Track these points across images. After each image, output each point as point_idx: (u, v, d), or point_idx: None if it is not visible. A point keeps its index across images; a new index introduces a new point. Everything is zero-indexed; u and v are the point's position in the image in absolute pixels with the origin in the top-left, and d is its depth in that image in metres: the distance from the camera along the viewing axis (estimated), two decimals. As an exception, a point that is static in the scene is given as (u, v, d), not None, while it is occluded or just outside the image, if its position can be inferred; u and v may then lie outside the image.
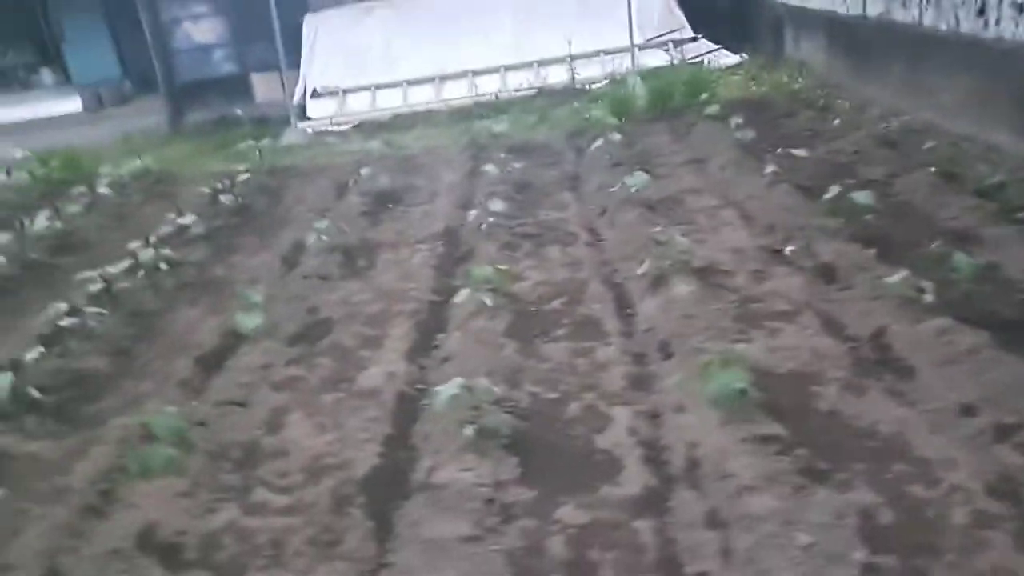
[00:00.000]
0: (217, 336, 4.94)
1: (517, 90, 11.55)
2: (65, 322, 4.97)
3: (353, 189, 7.92)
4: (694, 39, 12.00)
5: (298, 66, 12.85)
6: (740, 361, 3.43)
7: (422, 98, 11.92)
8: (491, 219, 6.09)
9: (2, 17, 22.55)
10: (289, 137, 10.87)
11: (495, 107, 11.17)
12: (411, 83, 12.08)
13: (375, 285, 5.59)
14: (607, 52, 11.78)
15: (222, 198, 7.73)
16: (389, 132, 10.96)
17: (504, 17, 12.20)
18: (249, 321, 4.74)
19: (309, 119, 11.82)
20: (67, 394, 4.54)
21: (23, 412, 4.28)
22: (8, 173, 9.40)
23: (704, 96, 9.18)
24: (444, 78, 12.07)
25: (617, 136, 7.88)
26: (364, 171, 7.93)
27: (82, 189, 8.53)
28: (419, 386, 4.15)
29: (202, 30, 13.53)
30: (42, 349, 4.63)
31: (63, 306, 5.06)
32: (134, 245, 6.38)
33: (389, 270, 5.88)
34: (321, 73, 12.18)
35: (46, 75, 22.36)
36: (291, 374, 4.42)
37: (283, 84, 12.84)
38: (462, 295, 4.76)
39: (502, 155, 8.59)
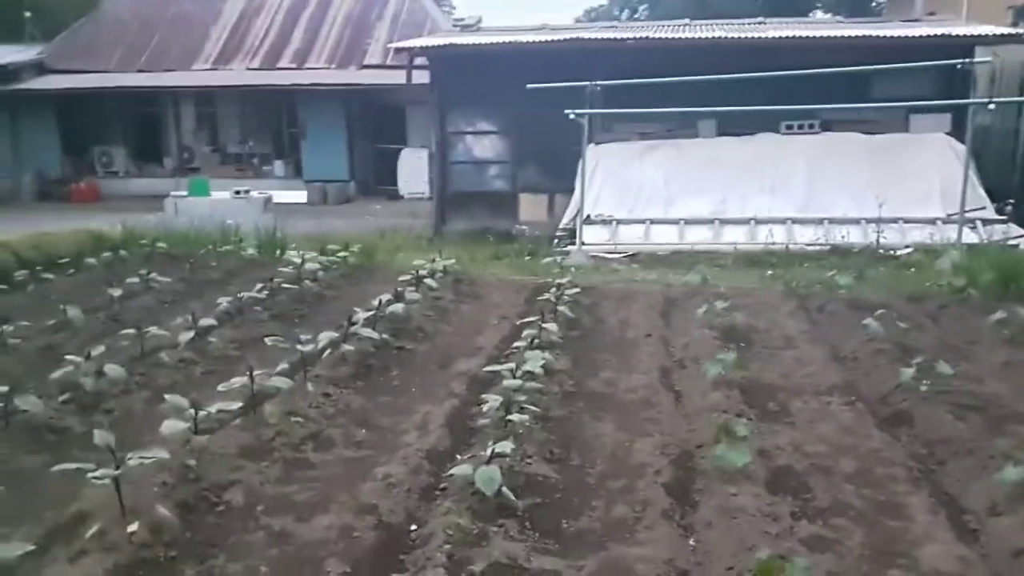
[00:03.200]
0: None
1: (809, 244, 11.04)
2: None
3: (695, 321, 7.43)
4: (1003, 221, 11.26)
5: (568, 191, 12.88)
6: None
7: (698, 238, 11.60)
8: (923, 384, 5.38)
9: (251, 111, 24.48)
10: (574, 259, 10.67)
11: (785, 258, 10.68)
12: (688, 222, 11.81)
13: (815, 434, 4.94)
14: (907, 221, 11.19)
15: (560, 309, 7.37)
16: (669, 267, 10.65)
17: (795, 172, 11.89)
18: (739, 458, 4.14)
19: (579, 244, 11.66)
20: (530, 499, 4.03)
21: (502, 515, 3.79)
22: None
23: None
24: (724, 222, 11.74)
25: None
26: (715, 304, 7.40)
27: (407, 279, 8.40)
28: None
29: (482, 146, 13.89)
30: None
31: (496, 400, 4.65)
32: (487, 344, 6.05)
33: (811, 420, 5.23)
34: (596, 201, 12.10)
35: (278, 166, 23.80)
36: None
37: (550, 206, 12.92)
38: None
39: (838, 308, 8.05)
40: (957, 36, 11.78)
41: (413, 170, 22.76)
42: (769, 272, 9.80)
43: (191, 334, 6.33)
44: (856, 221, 11.34)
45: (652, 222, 11.90)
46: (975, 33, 11.73)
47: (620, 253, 11.30)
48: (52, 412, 4.80)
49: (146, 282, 8.26)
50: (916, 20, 11.79)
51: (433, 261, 9.03)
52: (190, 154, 24.47)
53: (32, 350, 6.37)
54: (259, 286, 7.93)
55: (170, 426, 4.05)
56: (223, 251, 10.31)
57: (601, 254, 11.26)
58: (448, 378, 6.05)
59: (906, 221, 11.18)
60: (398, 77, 22.11)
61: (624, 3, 49.40)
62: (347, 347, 5.99)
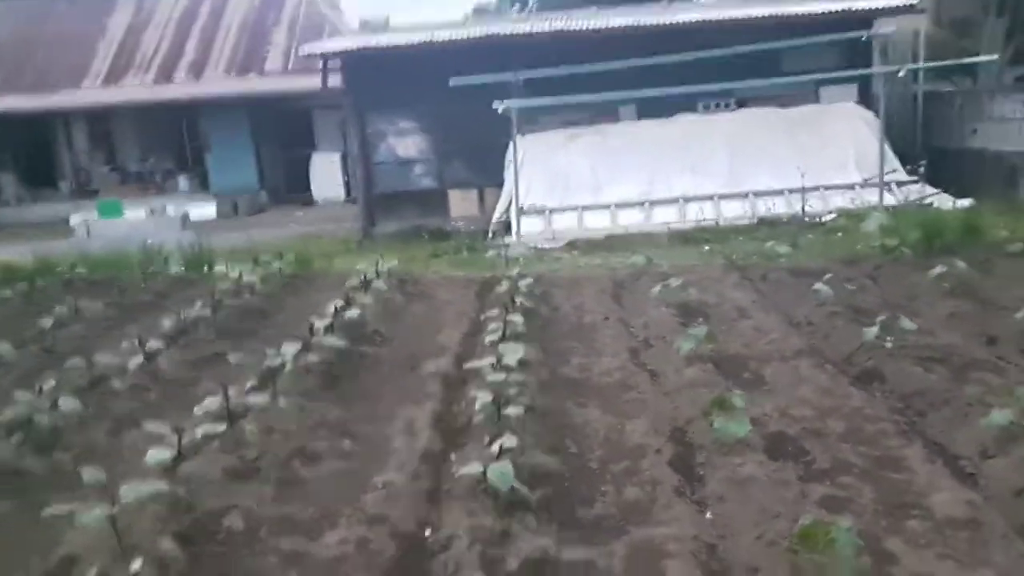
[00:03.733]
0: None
1: (737, 219, 11.30)
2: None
3: (649, 301, 7.50)
4: (914, 181, 11.78)
5: (498, 185, 12.82)
6: None
7: (630, 221, 11.73)
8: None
9: (148, 127, 23.45)
10: (514, 250, 10.62)
11: (717, 233, 10.91)
12: (618, 206, 11.92)
13: (796, 398, 5.03)
14: (827, 188, 11.58)
15: (518, 300, 7.31)
16: (607, 251, 10.75)
17: (717, 149, 12.14)
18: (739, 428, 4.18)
19: (517, 235, 11.63)
20: (540, 491, 3.96)
21: (518, 510, 3.70)
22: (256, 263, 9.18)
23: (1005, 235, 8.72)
24: (653, 203, 11.90)
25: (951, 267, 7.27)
26: (671, 283, 7.46)
27: (354, 283, 8.19)
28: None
29: (405, 145, 13.64)
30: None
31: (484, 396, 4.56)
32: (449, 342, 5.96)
33: (788, 384, 5.33)
34: (528, 192, 12.06)
35: (183, 181, 22.86)
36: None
37: (480, 201, 12.83)
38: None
39: (781, 276, 8.29)
40: (858, 10, 12.25)
41: (326, 175, 22.28)
42: (706, 248, 10.00)
43: (140, 359, 6.00)
44: (779, 192, 11.67)
45: (584, 208, 11.96)
46: (875, 6, 12.24)
47: (557, 241, 11.31)
48: (8, 454, 4.44)
49: (75, 310, 7.78)
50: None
51: (377, 264, 8.82)
52: (87, 175, 23.26)
53: (-37, 391, 5.90)
54: (199, 303, 7.59)
55: (155, 455, 3.80)
56: (148, 272, 9.82)
57: (538, 244, 11.24)
58: (420, 380, 5.92)
59: (827, 188, 11.57)
60: (301, 83, 21.65)
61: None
62: (312, 357, 5.78)
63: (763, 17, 12.22)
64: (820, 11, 12.28)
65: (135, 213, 13.28)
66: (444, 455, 4.57)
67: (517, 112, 11.66)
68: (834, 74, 12.18)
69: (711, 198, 11.78)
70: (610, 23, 12.41)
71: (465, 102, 12.60)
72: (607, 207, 11.89)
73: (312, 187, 22.30)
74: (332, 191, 22.27)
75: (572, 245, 11.12)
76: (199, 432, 4.14)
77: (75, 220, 21.67)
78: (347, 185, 22.54)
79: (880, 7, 12.27)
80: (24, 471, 4.44)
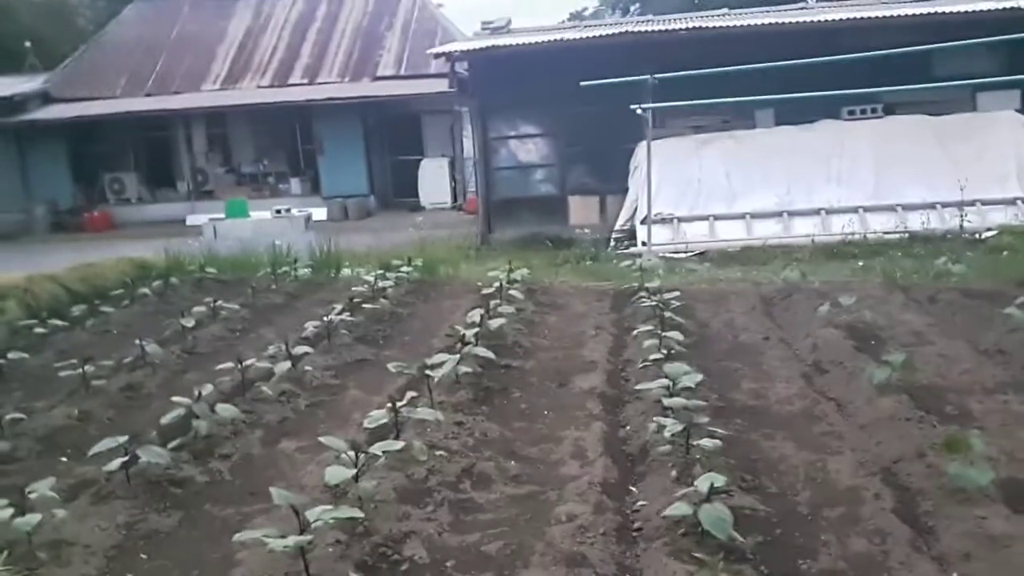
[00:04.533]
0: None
1: (887, 233, 10.53)
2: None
3: (813, 320, 6.92)
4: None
5: (620, 192, 12.38)
6: None
7: (766, 232, 11.10)
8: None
9: (263, 130, 23.97)
10: (645, 260, 10.14)
11: (865, 248, 10.19)
12: (754, 216, 11.31)
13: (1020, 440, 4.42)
14: (984, 203, 10.70)
15: (667, 314, 6.85)
16: (744, 264, 10.18)
17: (861, 158, 11.37)
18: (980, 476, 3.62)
19: (648, 244, 11.15)
20: (752, 538, 3.50)
21: (731, 558, 3.26)
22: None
23: None
24: (792, 214, 11.24)
25: None
26: (842, 302, 6.86)
27: (490, 291, 7.88)
28: None
29: (526, 150, 13.35)
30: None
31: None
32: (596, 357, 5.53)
33: (1003, 423, 4.71)
34: (655, 199, 11.56)
35: (295, 184, 23.24)
36: None
37: (601, 208, 12.41)
38: None
39: (952, 297, 7.58)
40: (1022, 9, 11.30)
41: (434, 180, 22.29)
42: (860, 264, 9.29)
43: (287, 364, 5.81)
44: (931, 206, 10.85)
45: (716, 218, 11.39)
46: (1046, 5, 11.28)
47: (687, 252, 10.78)
48: (168, 462, 4.25)
49: (213, 310, 7.72)
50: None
51: (509, 272, 8.49)
52: (204, 176, 23.92)
53: (114, 391, 5.83)
54: (337, 307, 7.41)
55: (335, 473, 3.51)
56: (278, 273, 9.77)
57: (668, 254, 10.75)
58: (574, 397, 5.54)
59: (984, 203, 10.68)
60: (414, 87, 21.77)
61: (615, 3, 48.72)
62: (464, 369, 5.46)
63: (914, 16, 11.42)
64: (979, 9, 11.37)
65: (260, 214, 13.38)
66: (622, 485, 4.17)
67: (646, 116, 11.20)
68: (994, 79, 11.25)
69: (855, 210, 11.05)
70: (749, 22, 11.80)
71: (589, 106, 12.25)
72: (742, 217, 11.30)
73: (420, 192, 22.34)
74: (439, 196, 22.26)
75: (704, 256, 10.57)
76: (378, 448, 3.81)
77: (192, 219, 22.36)
78: (454, 191, 22.52)
79: (1050, 7, 11.29)
80: (184, 480, 4.25)
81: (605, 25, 12.91)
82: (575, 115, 12.58)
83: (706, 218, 11.40)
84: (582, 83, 10.65)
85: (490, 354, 5.78)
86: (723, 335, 7.04)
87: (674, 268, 10.02)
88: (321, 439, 3.95)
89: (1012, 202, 10.71)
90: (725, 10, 13.41)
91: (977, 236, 10.16)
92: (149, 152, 24.37)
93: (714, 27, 11.91)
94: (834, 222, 11.02)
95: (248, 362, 5.47)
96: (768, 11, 12.46)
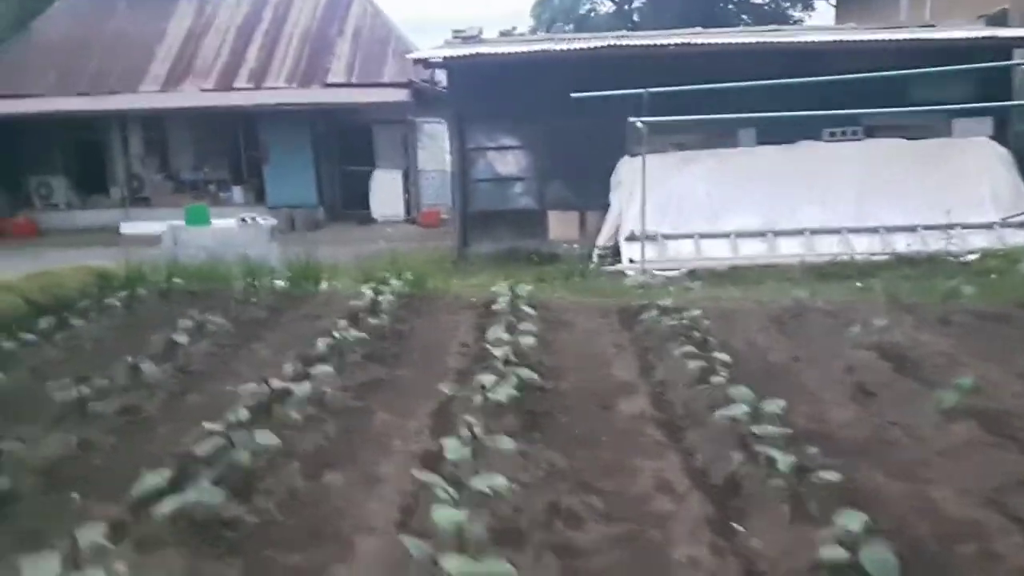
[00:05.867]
0: None
1: (874, 254, 10.57)
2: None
3: (833, 342, 6.76)
4: (1057, 222, 11.05)
5: (601, 207, 12.15)
6: None
7: (751, 251, 11.02)
8: None
9: (204, 135, 22.97)
10: (636, 277, 9.92)
11: (854, 269, 10.21)
12: (739, 235, 11.22)
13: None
14: (965, 226, 10.86)
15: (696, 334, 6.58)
16: (736, 283, 10.05)
17: (844, 180, 11.43)
18: None
19: (641, 262, 10.92)
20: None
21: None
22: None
23: None
24: (777, 234, 11.19)
25: None
26: (873, 323, 6.72)
27: (499, 306, 7.48)
28: None
29: (504, 162, 12.98)
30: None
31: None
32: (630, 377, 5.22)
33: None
34: (637, 217, 11.37)
35: (237, 192, 22.34)
36: None
37: (581, 223, 12.16)
38: None
39: (967, 320, 7.53)
40: (998, 38, 11.59)
41: (387, 192, 21.74)
42: (858, 284, 9.24)
43: (307, 386, 5.28)
44: (912, 228, 10.95)
45: (701, 236, 11.25)
46: (1016, 35, 11.57)
47: (676, 270, 10.60)
48: (213, 499, 3.71)
49: (198, 324, 7.09)
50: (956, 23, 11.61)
51: (515, 287, 8.12)
52: (139, 183, 22.75)
53: (111, 414, 5.20)
54: (343, 323, 6.89)
55: (445, 515, 3.07)
56: (253, 285, 9.15)
57: (656, 271, 10.53)
58: (625, 422, 5.20)
59: (964, 227, 10.84)
60: (367, 95, 21.19)
61: (548, 25, 48.73)
62: (512, 392, 5.04)
63: (896, 41, 11.59)
64: (956, 37, 11.62)
65: (223, 222, 12.65)
66: (723, 523, 3.83)
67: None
68: (969, 105, 11.48)
69: (839, 231, 11.07)
70: (736, 40, 11.77)
71: (570, 119, 12.02)
72: (727, 236, 11.19)
73: (372, 204, 21.75)
74: (392, 209, 21.72)
75: (694, 274, 10.40)
76: (484, 486, 3.38)
77: (127, 227, 21.19)
78: (407, 203, 21.98)
79: (1021, 36, 11.60)
80: (232, 521, 3.71)
81: (590, 38, 12.66)
82: (555, 128, 12.32)
83: (691, 236, 11.27)
84: (573, 95, 10.38)
85: (534, 375, 5.38)
86: (749, 356, 6.79)
87: (667, 287, 9.79)
88: (419, 475, 3.48)
89: (989, 226, 10.89)
90: (699, 28, 13.37)
91: (959, 259, 10.27)
92: (80, 155, 23.06)
93: (703, 44, 11.84)
94: (818, 243, 11.02)
95: (276, 384, 4.91)
96: (751, 31, 12.47)
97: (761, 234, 11.20)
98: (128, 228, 21.15)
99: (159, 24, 24.17)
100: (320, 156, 22.04)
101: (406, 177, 21.77)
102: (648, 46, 11.81)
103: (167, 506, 3.35)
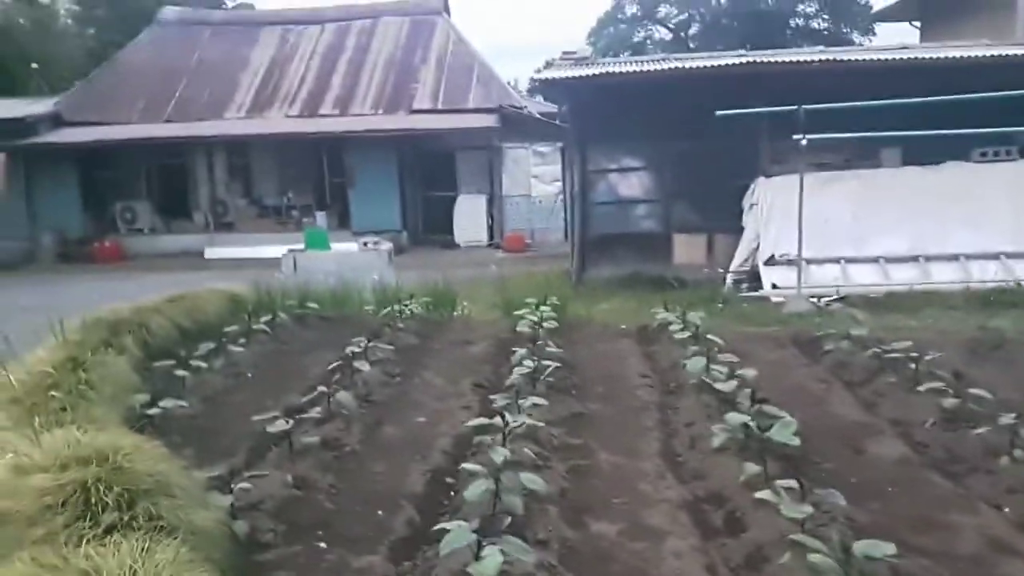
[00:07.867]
0: None
1: (1036, 280, 9.82)
2: None
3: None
4: None
5: (730, 231, 11.57)
6: None
7: (903, 277, 10.34)
8: None
9: (288, 161, 22.91)
10: (794, 305, 9.30)
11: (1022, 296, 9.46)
12: (888, 260, 10.54)
13: None
14: None
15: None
16: (895, 311, 9.40)
17: (999, 203, 10.70)
18: None
19: (771, 287, 10.32)
20: None
21: None
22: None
23: None
24: (929, 258, 10.49)
25: None
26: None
27: (684, 336, 6.92)
28: None
29: (628, 184, 12.51)
30: None
31: None
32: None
33: None
34: (777, 241, 10.76)
35: (320, 218, 22.17)
36: None
37: (709, 247, 11.60)
38: None
39: None
40: None
41: (471, 217, 21.44)
42: (1048, 315, 8.49)
43: (524, 419, 4.76)
44: (1079, 254, 10.19)
45: (847, 261, 10.59)
46: None
47: (822, 296, 9.94)
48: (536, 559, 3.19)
49: (364, 351, 6.65)
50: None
51: (684, 315, 7.55)
52: (224, 208, 22.75)
53: (315, 449, 4.73)
54: (520, 353, 6.38)
55: None
56: (389, 311, 8.74)
57: (812, 300, 9.88)
58: (891, 469, 4.59)
59: None
60: (454, 121, 20.97)
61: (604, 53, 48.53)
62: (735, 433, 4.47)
63: (1053, 56, 10.87)
64: None
65: (343, 245, 12.34)
66: None
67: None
68: None
69: (997, 257, 10.33)
70: (878, 56, 11.18)
71: (697, 140, 11.54)
72: (875, 260, 10.53)
73: (455, 230, 21.46)
74: (475, 234, 21.40)
75: (847, 301, 9.73)
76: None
77: (211, 252, 21.18)
78: (490, 228, 21.65)
79: None
80: (527, 580, 3.18)
81: (718, 56, 12.19)
82: (681, 148, 11.82)
83: (837, 260, 10.61)
84: (718, 112, 9.83)
85: (783, 414, 4.78)
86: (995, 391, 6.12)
87: (832, 315, 9.14)
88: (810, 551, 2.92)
89: None
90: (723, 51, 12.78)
91: None
92: (164, 181, 23.18)
93: (849, 60, 11.26)
94: (973, 268, 10.29)
95: (513, 421, 4.40)
96: (883, 49, 11.87)
97: (913, 259, 10.52)
98: (212, 253, 21.15)
99: (243, 52, 24.33)
100: (404, 181, 21.84)
101: (490, 202, 21.45)
102: (791, 62, 11.24)
103: (488, 569, 2.81)
